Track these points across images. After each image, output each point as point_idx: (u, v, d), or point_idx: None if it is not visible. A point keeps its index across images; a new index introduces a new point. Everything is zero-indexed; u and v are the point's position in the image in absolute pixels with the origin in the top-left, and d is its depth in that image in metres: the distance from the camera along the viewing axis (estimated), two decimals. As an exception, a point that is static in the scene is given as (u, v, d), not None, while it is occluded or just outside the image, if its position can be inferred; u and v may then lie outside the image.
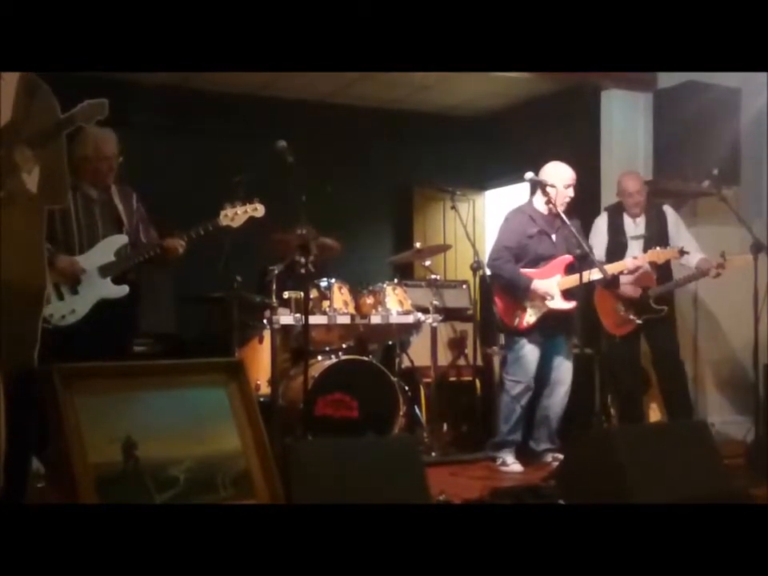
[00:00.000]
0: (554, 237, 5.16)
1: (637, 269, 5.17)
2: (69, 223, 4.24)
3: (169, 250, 4.39)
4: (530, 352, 5.11)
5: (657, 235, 5.44)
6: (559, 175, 5.10)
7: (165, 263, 4.49)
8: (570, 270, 5.09)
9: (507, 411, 5.15)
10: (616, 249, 5.45)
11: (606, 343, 5.61)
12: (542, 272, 5.11)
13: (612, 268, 5.03)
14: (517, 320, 5.11)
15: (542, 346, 5.13)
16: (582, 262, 4.80)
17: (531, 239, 5.13)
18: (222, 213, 4.42)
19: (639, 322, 5.39)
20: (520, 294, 5.09)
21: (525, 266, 5.13)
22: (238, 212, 4.43)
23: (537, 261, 5.14)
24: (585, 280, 4.90)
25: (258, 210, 4.47)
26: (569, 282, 5.04)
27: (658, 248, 5.14)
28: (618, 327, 5.49)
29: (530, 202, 5.27)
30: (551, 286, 5.05)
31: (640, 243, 5.43)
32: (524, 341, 5.12)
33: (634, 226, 5.54)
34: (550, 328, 5.11)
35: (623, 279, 5.40)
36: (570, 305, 5.08)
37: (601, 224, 5.63)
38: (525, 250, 5.14)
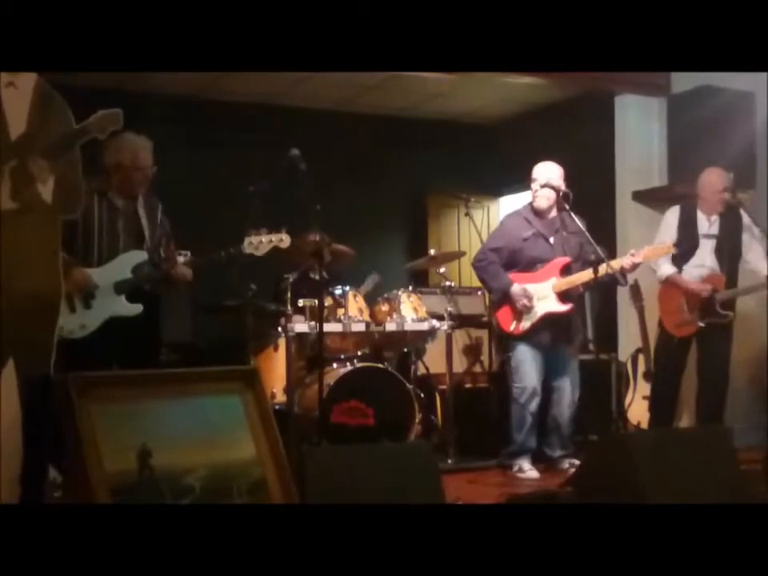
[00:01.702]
0: (551, 239, 5.10)
1: (634, 267, 4.92)
2: (90, 233, 4.17)
3: (177, 278, 4.36)
4: (531, 357, 5.06)
5: (730, 237, 5.27)
6: (549, 174, 5.08)
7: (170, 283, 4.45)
8: (566, 271, 5.04)
9: (518, 419, 5.12)
10: (686, 246, 5.24)
11: (662, 342, 5.47)
12: (537, 275, 5.06)
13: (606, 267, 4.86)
14: (513, 325, 5.08)
15: (545, 350, 5.09)
16: (596, 264, 4.74)
17: (526, 242, 5.08)
18: (247, 240, 4.34)
19: (702, 324, 5.21)
20: (500, 297, 5.09)
21: (521, 270, 5.09)
22: (263, 240, 4.35)
23: (533, 264, 5.08)
24: (582, 280, 4.92)
25: (284, 240, 4.39)
26: (565, 284, 4.99)
27: (646, 246, 4.96)
28: (679, 327, 5.31)
29: (528, 204, 5.23)
30: (540, 290, 5.00)
31: (712, 243, 5.27)
32: (523, 346, 5.08)
33: (708, 225, 5.31)
34: (550, 332, 5.06)
35: (691, 276, 5.27)
36: (565, 307, 5.01)
37: (671, 219, 5.40)
38: (520, 253, 5.10)
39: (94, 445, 2.77)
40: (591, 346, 5.98)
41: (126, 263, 4.22)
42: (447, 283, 5.72)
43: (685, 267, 5.30)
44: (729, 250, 5.29)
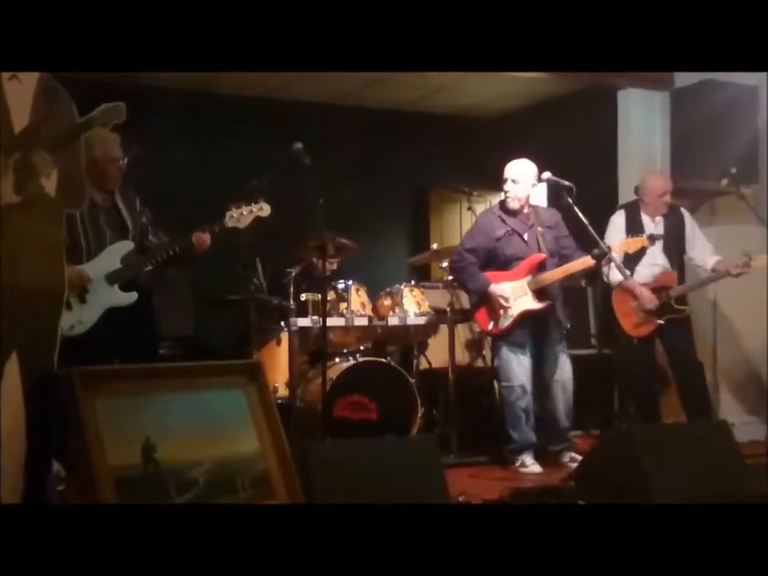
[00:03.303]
0: (526, 236, 5.09)
1: (608, 260, 4.88)
2: (75, 230, 4.17)
3: (198, 244, 4.33)
4: (514, 355, 5.05)
5: (675, 236, 5.43)
6: (525, 172, 5.09)
7: (185, 262, 4.46)
8: (541, 268, 5.03)
9: (512, 417, 5.10)
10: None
11: (623, 344, 5.55)
12: (512, 273, 5.06)
13: (582, 263, 4.91)
14: (491, 324, 5.08)
15: (531, 347, 5.08)
16: (599, 258, 4.72)
17: (499, 241, 5.08)
18: (228, 214, 4.34)
19: (661, 322, 5.32)
20: (477, 298, 5.09)
21: (497, 269, 5.08)
22: (244, 212, 4.35)
23: (508, 262, 5.08)
24: (554, 279, 4.94)
25: (264, 209, 4.38)
26: (540, 281, 4.99)
27: (630, 237, 5.00)
28: (636, 328, 5.43)
29: (501, 202, 5.22)
30: (516, 289, 5.00)
31: (659, 243, 5.37)
32: (507, 345, 5.07)
33: (653, 226, 5.48)
34: (530, 330, 5.05)
35: (644, 276, 5.36)
36: (542, 305, 5.00)
37: (618, 222, 5.57)
38: (494, 252, 5.09)
39: (97, 439, 2.78)
40: (593, 341, 5.98)
41: (114, 254, 4.25)
42: (449, 277, 5.71)
43: (638, 268, 5.41)
44: (676, 247, 5.46)
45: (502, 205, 5.19)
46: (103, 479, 2.72)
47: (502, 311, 5.01)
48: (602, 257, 4.74)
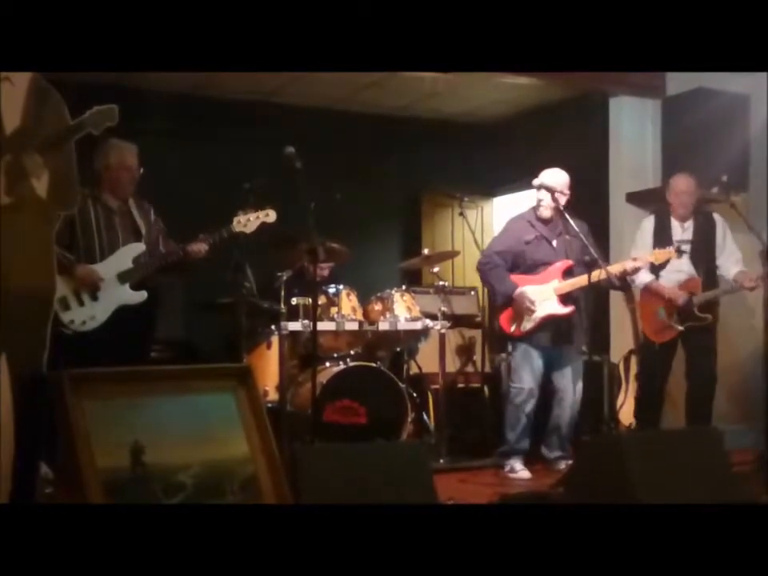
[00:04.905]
0: (554, 242, 5.14)
1: (635, 270, 5.04)
2: (89, 232, 4.37)
3: (193, 253, 4.50)
4: (531, 358, 5.09)
5: (704, 242, 5.36)
6: (557, 181, 5.10)
7: (184, 268, 4.61)
8: (567, 274, 5.07)
9: (512, 419, 5.14)
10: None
11: (643, 349, 5.54)
12: (538, 278, 5.09)
13: (610, 270, 4.92)
14: (514, 326, 5.11)
15: (546, 352, 5.11)
16: (592, 267, 4.76)
17: (528, 245, 5.13)
18: (236, 219, 4.54)
19: (681, 328, 5.28)
20: (503, 300, 5.10)
21: (523, 272, 5.12)
22: (251, 218, 4.56)
23: (535, 267, 5.12)
24: (584, 284, 4.91)
25: (270, 215, 4.60)
26: (567, 287, 5.02)
27: (657, 248, 5.06)
28: (657, 334, 5.38)
29: (532, 208, 5.26)
30: (542, 292, 5.02)
31: (687, 248, 5.33)
32: (523, 347, 5.11)
33: (682, 231, 5.41)
34: (552, 334, 5.08)
35: (669, 282, 5.34)
36: (567, 309, 5.03)
37: (647, 226, 5.51)
38: (522, 256, 5.14)
39: (86, 441, 2.77)
40: (584, 348, 5.99)
41: (127, 255, 4.43)
42: (441, 283, 5.73)
43: (662, 273, 5.37)
44: (704, 254, 5.37)
45: (534, 212, 5.23)
46: (91, 482, 2.71)
47: (527, 314, 5.03)
48: (593, 263, 4.76)
